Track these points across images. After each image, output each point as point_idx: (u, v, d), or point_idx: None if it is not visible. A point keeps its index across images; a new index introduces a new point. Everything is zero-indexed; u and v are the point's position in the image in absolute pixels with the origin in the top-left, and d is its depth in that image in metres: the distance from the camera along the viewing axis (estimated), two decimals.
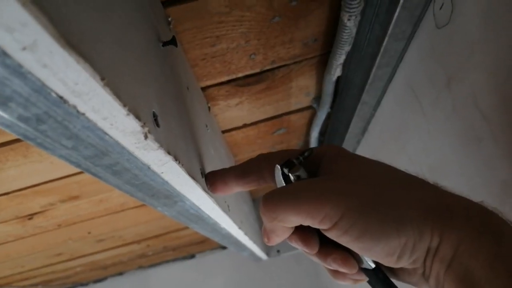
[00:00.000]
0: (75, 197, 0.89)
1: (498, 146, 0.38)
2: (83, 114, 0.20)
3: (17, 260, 1.26)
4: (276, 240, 0.34)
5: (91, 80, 0.18)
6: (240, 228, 0.65)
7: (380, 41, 0.52)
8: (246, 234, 0.73)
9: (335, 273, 0.35)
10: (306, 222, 0.29)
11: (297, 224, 0.31)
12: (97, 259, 1.56)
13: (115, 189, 0.91)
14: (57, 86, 0.17)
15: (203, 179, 0.40)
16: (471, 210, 0.28)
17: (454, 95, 0.43)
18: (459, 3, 0.39)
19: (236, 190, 0.39)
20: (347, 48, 0.57)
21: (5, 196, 0.79)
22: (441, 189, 0.30)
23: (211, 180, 0.39)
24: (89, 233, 1.17)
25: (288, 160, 0.34)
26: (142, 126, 0.23)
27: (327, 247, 0.34)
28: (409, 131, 0.56)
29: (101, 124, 0.22)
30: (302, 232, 0.33)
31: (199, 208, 0.44)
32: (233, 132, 0.85)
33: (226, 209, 0.54)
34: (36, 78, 0.17)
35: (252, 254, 1.09)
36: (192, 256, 2.05)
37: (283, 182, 0.34)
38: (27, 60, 0.16)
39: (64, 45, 0.16)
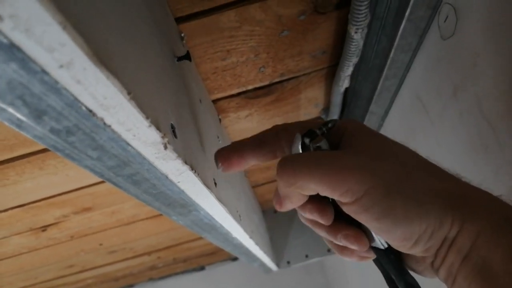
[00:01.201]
0: (88, 209, 0.91)
1: (505, 152, 0.38)
2: (109, 126, 0.21)
3: (30, 272, 1.28)
4: (289, 206, 0.33)
5: (118, 94, 0.19)
6: (251, 237, 0.66)
7: (387, 53, 0.53)
8: (257, 244, 0.74)
9: (342, 249, 0.34)
10: (326, 193, 0.28)
11: (315, 193, 0.29)
12: (108, 271, 1.57)
13: (127, 201, 0.93)
14: (88, 100, 0.19)
15: (217, 188, 0.41)
16: (491, 203, 0.27)
17: (460, 104, 0.44)
18: (463, 15, 0.41)
19: (251, 164, 0.36)
20: (354, 60, 0.58)
21: (21, 208, 0.81)
22: (462, 180, 0.30)
23: (225, 155, 0.35)
24: (100, 244, 1.19)
25: (310, 129, 0.32)
26: (162, 137, 0.25)
27: (338, 221, 0.32)
28: (417, 140, 0.57)
29: (125, 135, 0.23)
30: (318, 202, 0.32)
31: (212, 217, 0.46)
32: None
33: (238, 218, 0.55)
34: (70, 93, 0.18)
35: (263, 265, 1.09)
36: (202, 268, 2.05)
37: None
38: (63, 77, 0.17)
39: (97, 62, 0.17)
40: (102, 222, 1.01)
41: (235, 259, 2.00)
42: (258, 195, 1.19)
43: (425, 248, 0.28)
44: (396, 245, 0.28)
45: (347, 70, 0.61)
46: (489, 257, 0.25)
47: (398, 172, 0.28)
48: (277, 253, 1.31)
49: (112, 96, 0.19)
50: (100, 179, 0.77)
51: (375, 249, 0.32)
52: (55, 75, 0.17)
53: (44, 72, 0.17)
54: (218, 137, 0.58)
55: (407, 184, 0.27)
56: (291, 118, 0.81)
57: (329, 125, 0.32)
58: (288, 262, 1.30)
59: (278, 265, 1.28)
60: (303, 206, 0.32)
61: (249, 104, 0.71)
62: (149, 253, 1.46)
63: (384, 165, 0.28)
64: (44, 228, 0.95)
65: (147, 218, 1.08)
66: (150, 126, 0.23)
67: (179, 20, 0.49)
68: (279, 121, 0.81)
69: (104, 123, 0.21)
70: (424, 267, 0.30)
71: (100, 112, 0.20)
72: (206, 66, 0.58)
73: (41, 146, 0.63)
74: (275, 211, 1.36)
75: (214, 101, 0.67)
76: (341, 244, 0.33)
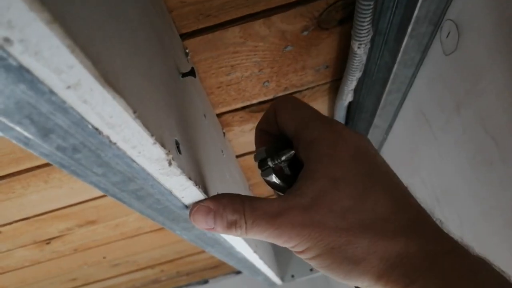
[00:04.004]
0: (92, 222, 0.91)
1: (508, 168, 0.38)
2: (115, 143, 0.22)
3: (32, 285, 1.28)
4: None
5: (124, 113, 0.20)
6: (255, 251, 0.66)
7: (390, 68, 0.53)
8: (261, 258, 0.74)
9: None
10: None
11: None
12: (111, 285, 1.56)
13: (131, 214, 0.92)
14: (94, 119, 0.19)
15: None
16: (435, 277, 0.27)
17: (463, 119, 0.44)
18: (465, 31, 0.41)
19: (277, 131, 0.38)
20: (358, 74, 0.59)
21: (25, 221, 0.81)
22: (415, 237, 0.29)
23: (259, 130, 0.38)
24: (104, 257, 1.19)
25: (263, 159, 0.34)
26: (167, 154, 0.25)
27: None
28: (421, 154, 0.57)
29: (130, 152, 0.23)
30: None
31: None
32: (247, 157, 0.87)
33: None
34: (77, 112, 0.19)
35: (267, 279, 1.09)
36: (206, 282, 2.03)
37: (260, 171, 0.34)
38: (70, 97, 0.17)
39: (103, 83, 0.17)
40: (106, 235, 1.01)
41: (238, 272, 1.99)
42: None
43: None
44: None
45: (351, 84, 0.61)
46: None
47: (337, 237, 0.29)
48: (281, 267, 1.30)
49: (118, 115, 0.20)
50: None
51: None
52: (62, 96, 0.17)
53: (52, 92, 0.17)
54: (222, 151, 0.59)
55: (341, 252, 0.29)
56: None
57: (283, 158, 0.33)
58: (293, 276, 1.29)
59: (282, 279, 1.27)
60: None
61: (253, 117, 0.72)
62: (152, 266, 1.46)
63: (326, 229, 0.29)
64: (48, 241, 0.95)
65: (151, 231, 1.08)
66: (155, 143, 0.23)
67: (184, 36, 0.50)
68: None
69: (110, 141, 0.21)
70: None
71: (106, 130, 0.20)
72: (211, 81, 0.59)
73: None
74: None
75: (219, 115, 0.68)
76: None
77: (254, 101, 0.67)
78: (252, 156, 0.87)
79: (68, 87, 0.17)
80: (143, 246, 1.19)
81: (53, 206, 0.78)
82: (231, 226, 0.30)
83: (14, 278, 1.15)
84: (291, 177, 0.33)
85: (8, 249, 0.93)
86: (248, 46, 0.54)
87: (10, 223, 0.80)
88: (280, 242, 0.30)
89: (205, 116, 0.49)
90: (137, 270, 1.45)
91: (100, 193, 0.78)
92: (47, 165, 0.64)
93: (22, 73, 0.16)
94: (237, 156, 0.85)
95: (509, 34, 0.36)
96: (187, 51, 0.49)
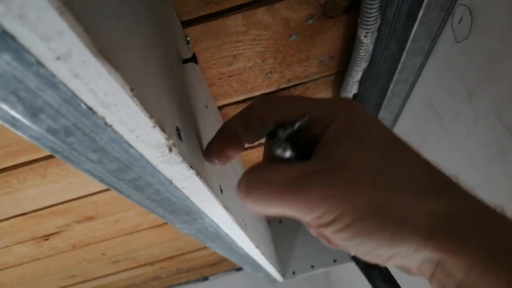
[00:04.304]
0: (91, 218, 0.89)
1: None
2: (111, 126, 0.20)
3: (31, 281, 1.26)
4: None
5: (120, 91, 0.18)
6: (257, 247, 0.64)
7: (396, 58, 0.52)
8: (263, 254, 0.72)
9: (330, 241, 0.31)
10: (295, 217, 0.27)
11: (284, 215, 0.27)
12: (111, 281, 1.55)
13: (130, 210, 0.91)
14: (87, 96, 0.18)
15: (223, 195, 0.40)
16: (484, 231, 0.24)
17: (475, 109, 0.43)
18: (478, 16, 0.39)
19: (244, 145, 0.33)
20: (364, 65, 0.57)
21: (23, 217, 0.79)
22: (459, 196, 0.26)
23: (218, 146, 0.33)
24: (103, 254, 1.17)
25: (274, 130, 0.28)
26: (167, 139, 0.23)
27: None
28: (429, 146, 0.56)
29: (127, 136, 0.22)
30: None
31: (218, 226, 0.44)
32: (248, 151, 0.85)
33: (244, 227, 0.53)
34: (68, 89, 0.17)
35: (268, 275, 1.07)
36: (206, 279, 2.02)
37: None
38: (60, 70, 0.16)
39: (98, 55, 0.16)
40: (105, 231, 1.00)
41: (239, 269, 1.98)
42: None
43: (401, 265, 0.26)
44: (368, 260, 0.27)
45: (356, 75, 0.59)
46: None
47: (375, 197, 0.25)
48: (282, 263, 1.28)
49: (113, 92, 0.18)
50: (103, 187, 0.76)
51: (356, 260, 0.30)
52: (51, 68, 0.16)
53: (39, 64, 0.15)
54: None
55: (382, 212, 0.25)
56: None
57: (296, 126, 0.28)
58: (294, 273, 1.28)
59: (283, 275, 1.26)
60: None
61: None
62: (152, 263, 1.45)
63: (360, 189, 0.25)
64: (46, 237, 0.94)
65: (150, 228, 1.06)
66: (154, 126, 0.22)
67: (185, 23, 0.48)
68: None
69: (105, 123, 0.20)
70: (412, 272, 0.28)
71: (100, 110, 0.19)
72: (212, 71, 0.57)
73: (43, 153, 0.62)
74: (280, 221, 1.34)
75: (220, 108, 0.66)
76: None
77: (257, 93, 0.65)
78: (253, 150, 0.85)
79: (58, 58, 0.15)
80: (143, 243, 1.17)
81: (50, 201, 0.77)
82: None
83: (12, 275, 1.14)
84: (303, 151, 0.29)
85: (6, 245, 0.92)
86: (251, 35, 0.53)
87: (8, 219, 0.79)
88: (304, 212, 0.25)
89: (207, 106, 0.48)
90: (136, 267, 1.43)
91: (98, 188, 0.77)
92: (44, 159, 0.62)
93: (5, 40, 0.14)
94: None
95: None
96: (188, 39, 0.47)
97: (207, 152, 0.33)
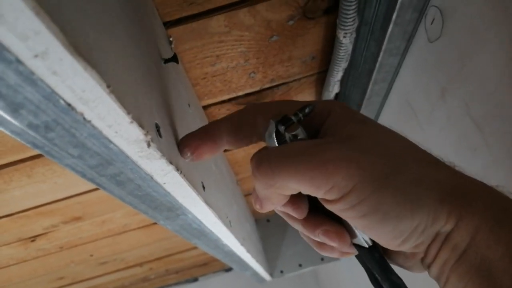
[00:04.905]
0: (78, 218, 0.89)
1: (492, 153, 0.38)
2: (89, 121, 0.21)
3: (18, 284, 1.25)
4: (270, 207, 0.29)
5: (97, 87, 0.19)
6: (242, 244, 0.65)
7: (375, 57, 0.53)
8: (248, 251, 0.73)
9: (321, 245, 0.31)
10: (309, 192, 0.26)
11: (296, 192, 0.27)
12: (99, 283, 1.54)
13: (118, 210, 0.91)
14: (65, 93, 0.19)
15: (205, 192, 0.41)
16: (489, 194, 0.25)
17: (448, 107, 0.44)
18: (449, 17, 0.41)
19: (223, 149, 0.33)
20: (344, 64, 0.59)
21: (9, 218, 0.79)
22: (457, 170, 0.27)
23: (196, 144, 0.32)
24: (91, 255, 1.17)
25: (284, 116, 0.28)
26: (145, 134, 0.24)
27: (316, 214, 0.30)
28: None
29: (106, 132, 0.23)
30: (292, 196, 0.29)
31: (201, 222, 0.45)
32: (235, 151, 0.86)
33: (228, 224, 0.54)
34: (46, 85, 0.18)
35: (255, 274, 1.08)
36: (195, 279, 2.03)
37: (276, 142, 0.29)
38: (39, 67, 0.17)
39: (73, 52, 0.17)
40: (92, 232, 1.00)
41: (228, 270, 1.98)
42: (250, 204, 1.19)
43: (414, 245, 0.26)
44: (383, 243, 0.26)
45: (337, 75, 0.61)
46: (488, 255, 0.23)
47: (388, 164, 0.25)
48: (270, 263, 1.30)
49: (91, 89, 0.19)
50: (89, 188, 0.76)
51: (357, 246, 0.29)
52: (30, 65, 0.16)
53: (18, 61, 0.16)
54: None
55: (398, 178, 0.25)
56: None
57: (306, 110, 0.28)
58: (282, 272, 1.29)
59: (271, 274, 1.27)
60: None
61: None
62: (140, 264, 1.45)
63: (373, 157, 0.25)
64: (33, 238, 0.93)
65: (138, 228, 1.06)
66: (132, 122, 0.23)
67: (168, 24, 0.49)
68: None
69: (84, 118, 0.21)
70: (412, 263, 0.28)
71: (79, 106, 0.20)
72: (196, 71, 0.58)
73: (28, 153, 0.62)
74: (268, 220, 1.35)
75: (205, 107, 0.67)
76: (319, 240, 0.30)
77: (241, 93, 0.66)
78: (239, 150, 0.86)
79: (36, 55, 0.16)
80: (131, 244, 1.17)
81: (37, 202, 0.77)
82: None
83: None
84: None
85: None
86: (233, 36, 0.54)
87: None
88: (318, 181, 0.25)
89: (189, 105, 0.49)
90: (125, 268, 1.43)
91: (85, 188, 0.77)
92: (30, 159, 0.62)
93: None
94: (224, 150, 0.85)
95: (493, 19, 0.36)
96: (171, 39, 0.48)
97: (182, 142, 0.32)
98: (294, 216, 0.30)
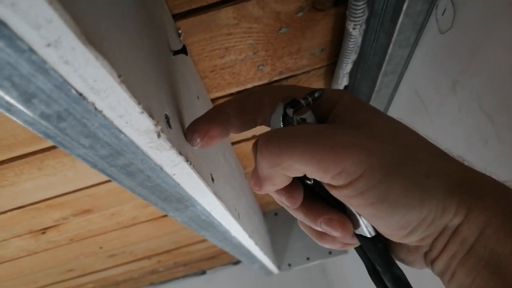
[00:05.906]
0: (88, 211, 0.90)
1: (504, 146, 0.38)
2: (101, 111, 0.21)
3: (29, 276, 1.27)
4: (270, 189, 0.28)
5: (108, 77, 0.19)
6: (250, 237, 0.66)
7: (385, 49, 0.53)
8: (256, 244, 0.73)
9: (322, 235, 0.30)
10: (316, 175, 0.25)
11: (302, 174, 0.26)
12: (109, 275, 1.56)
13: (127, 203, 0.92)
14: (77, 82, 0.19)
15: (214, 184, 0.41)
16: (498, 189, 0.25)
17: (459, 99, 0.44)
18: (460, 8, 0.40)
19: (230, 133, 0.32)
20: (353, 57, 0.58)
21: (20, 210, 0.80)
22: (466, 165, 0.27)
23: (205, 129, 0.30)
24: (100, 248, 1.18)
25: (293, 99, 0.27)
26: (155, 125, 0.24)
27: (316, 204, 0.29)
28: None
29: (117, 122, 0.23)
30: (287, 185, 0.28)
31: (210, 214, 0.45)
32: (242, 144, 0.86)
33: (237, 216, 0.55)
34: (58, 75, 0.18)
35: (263, 267, 1.09)
36: (203, 272, 2.04)
37: (282, 125, 0.28)
38: (51, 56, 0.17)
39: (85, 42, 0.17)
40: (102, 225, 1.01)
41: (236, 263, 1.99)
42: (258, 197, 1.19)
43: (421, 237, 0.25)
44: (389, 234, 0.26)
45: (346, 67, 0.60)
46: (498, 250, 0.23)
47: (398, 153, 0.25)
48: (278, 256, 1.30)
49: (102, 78, 0.19)
50: (99, 180, 0.77)
51: (360, 237, 0.29)
52: (42, 54, 0.17)
53: (31, 51, 0.16)
54: None
55: (408, 167, 0.24)
56: None
57: (316, 94, 0.27)
58: (289, 265, 1.30)
59: (279, 267, 1.27)
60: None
61: None
62: (149, 257, 1.46)
63: (384, 144, 0.25)
64: (43, 230, 0.95)
65: (147, 221, 1.07)
66: (142, 112, 0.23)
67: (177, 16, 0.49)
68: None
69: (95, 108, 0.21)
70: (415, 258, 0.28)
71: (90, 96, 0.20)
72: (205, 64, 0.58)
73: (39, 146, 0.63)
74: (276, 214, 1.36)
75: (213, 100, 0.67)
76: (321, 230, 0.29)
77: (249, 86, 0.66)
78: (247, 143, 0.86)
79: (48, 44, 0.16)
80: (140, 236, 1.18)
81: (47, 195, 0.78)
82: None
83: (10, 269, 1.15)
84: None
85: (4, 239, 0.93)
86: (242, 28, 0.54)
87: (5, 212, 0.80)
88: (327, 165, 0.24)
89: (198, 97, 0.49)
90: (134, 261, 1.44)
91: (94, 181, 0.78)
92: (40, 151, 0.63)
93: None
94: (233, 143, 0.85)
95: (504, 10, 0.36)
96: (179, 31, 0.48)
97: (190, 129, 0.31)
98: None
